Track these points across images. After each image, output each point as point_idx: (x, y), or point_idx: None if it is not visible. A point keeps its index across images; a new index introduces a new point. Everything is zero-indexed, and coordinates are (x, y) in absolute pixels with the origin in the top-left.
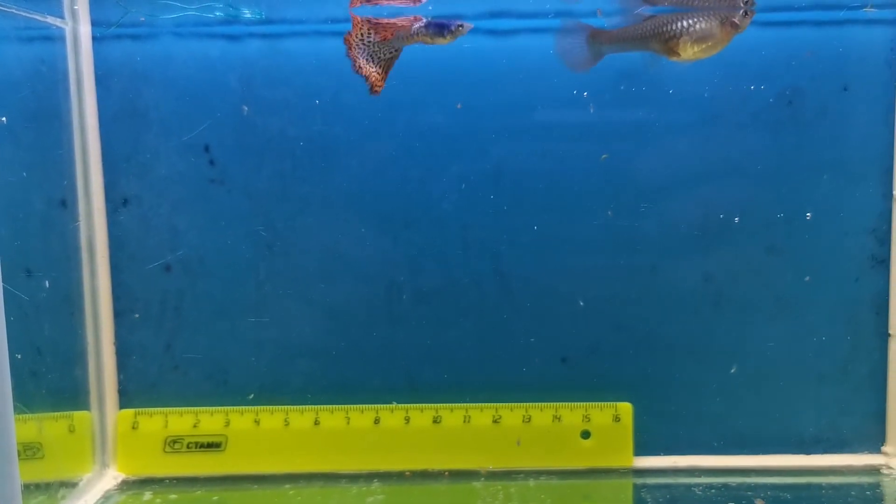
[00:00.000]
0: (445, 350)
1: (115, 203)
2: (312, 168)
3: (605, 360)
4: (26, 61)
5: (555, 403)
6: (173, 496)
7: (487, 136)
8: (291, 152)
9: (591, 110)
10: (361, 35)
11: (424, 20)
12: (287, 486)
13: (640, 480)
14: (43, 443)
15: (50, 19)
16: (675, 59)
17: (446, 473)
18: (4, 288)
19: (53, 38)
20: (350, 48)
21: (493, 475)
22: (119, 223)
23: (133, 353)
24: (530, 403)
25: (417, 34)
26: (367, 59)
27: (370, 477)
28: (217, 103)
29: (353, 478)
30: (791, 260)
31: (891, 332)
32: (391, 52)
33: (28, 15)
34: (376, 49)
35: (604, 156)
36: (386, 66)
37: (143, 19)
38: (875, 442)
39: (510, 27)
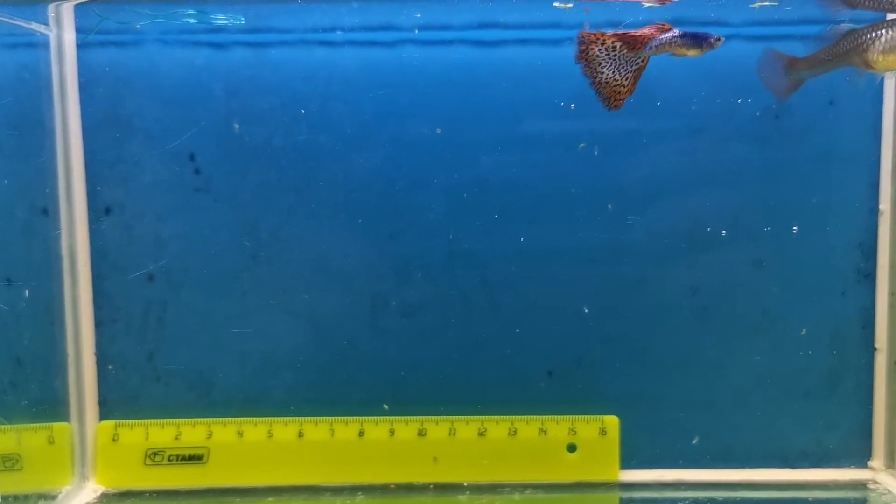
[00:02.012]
0: (431, 362)
1: (98, 211)
2: (298, 178)
3: (591, 373)
4: (9, 68)
5: (541, 416)
6: None
7: (474, 147)
8: (277, 162)
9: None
10: (608, 49)
11: (677, 30)
12: (270, 499)
13: (626, 494)
14: (22, 454)
15: (34, 26)
16: (872, 70)
17: (431, 486)
18: None
19: (37, 45)
20: (590, 64)
21: (479, 488)
22: (101, 232)
23: (114, 363)
24: (516, 416)
25: (670, 44)
26: (613, 73)
27: (354, 490)
28: (202, 112)
29: (338, 490)
30: (777, 273)
31: (877, 346)
32: (639, 64)
33: (12, 21)
34: (624, 62)
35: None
36: (634, 78)
37: (139, 27)
38: (861, 457)
39: (497, 38)
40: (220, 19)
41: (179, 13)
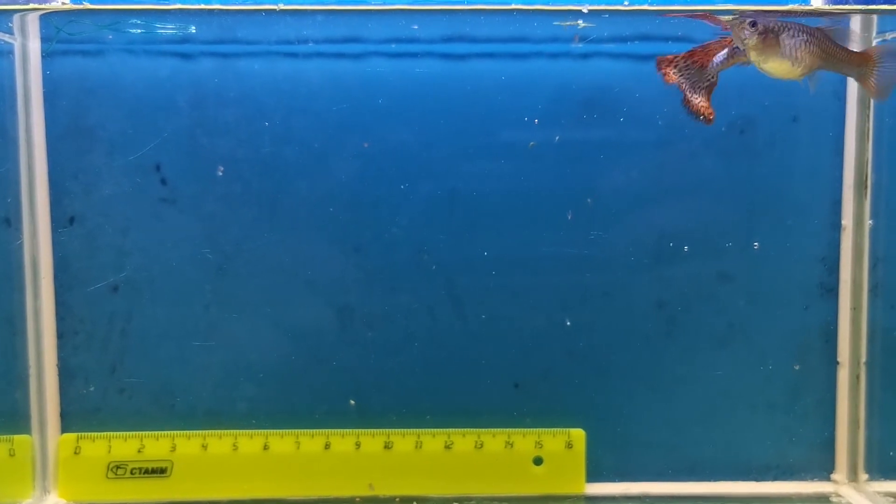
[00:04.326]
0: (397, 375)
1: (61, 221)
2: (263, 190)
3: (558, 386)
4: None
5: (507, 429)
6: None
7: (441, 160)
8: (240, 174)
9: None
10: (682, 69)
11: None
12: None
13: None
14: None
15: None
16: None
17: (397, 500)
18: None
19: (1, 54)
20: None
21: (445, 501)
22: (64, 242)
23: (77, 375)
24: (482, 429)
25: (734, 56)
26: (691, 91)
27: (320, 503)
28: (166, 123)
29: None
30: (742, 287)
31: (839, 360)
32: (710, 79)
33: None
34: (697, 78)
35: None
36: (707, 93)
37: (110, 37)
38: (824, 470)
39: (464, 51)
40: (169, 29)
41: (123, 22)
